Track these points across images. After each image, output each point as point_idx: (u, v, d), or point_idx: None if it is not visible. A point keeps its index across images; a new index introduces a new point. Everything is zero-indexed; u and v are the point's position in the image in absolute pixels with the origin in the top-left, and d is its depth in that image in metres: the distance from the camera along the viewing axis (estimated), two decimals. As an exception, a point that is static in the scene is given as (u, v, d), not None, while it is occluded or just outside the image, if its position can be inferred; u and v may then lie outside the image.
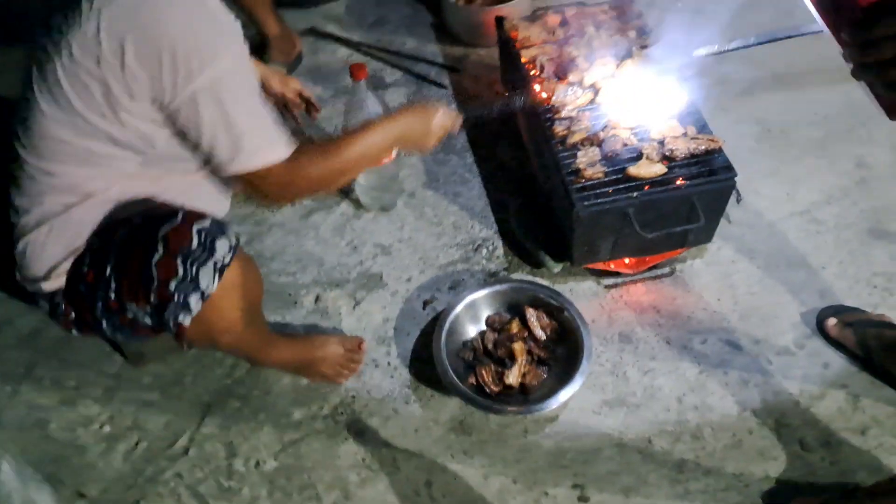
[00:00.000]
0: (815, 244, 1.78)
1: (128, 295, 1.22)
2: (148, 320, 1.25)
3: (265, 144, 1.23)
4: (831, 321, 1.62)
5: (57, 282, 1.31)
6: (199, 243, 1.20)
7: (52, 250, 1.28)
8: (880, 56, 0.85)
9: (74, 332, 1.37)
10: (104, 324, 1.30)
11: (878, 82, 0.87)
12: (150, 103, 1.16)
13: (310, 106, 1.81)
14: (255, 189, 1.29)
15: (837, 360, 1.58)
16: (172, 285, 1.19)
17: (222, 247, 1.23)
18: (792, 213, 1.84)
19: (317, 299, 1.76)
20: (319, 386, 1.60)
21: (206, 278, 1.21)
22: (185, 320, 1.23)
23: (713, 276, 1.74)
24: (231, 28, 1.17)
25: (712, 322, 1.66)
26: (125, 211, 1.30)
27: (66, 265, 1.29)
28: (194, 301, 1.21)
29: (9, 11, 1.96)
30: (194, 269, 1.19)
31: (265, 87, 1.72)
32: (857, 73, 0.88)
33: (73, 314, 1.33)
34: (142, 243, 1.21)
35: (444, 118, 1.48)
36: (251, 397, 1.60)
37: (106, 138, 1.20)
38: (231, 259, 1.24)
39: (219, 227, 1.24)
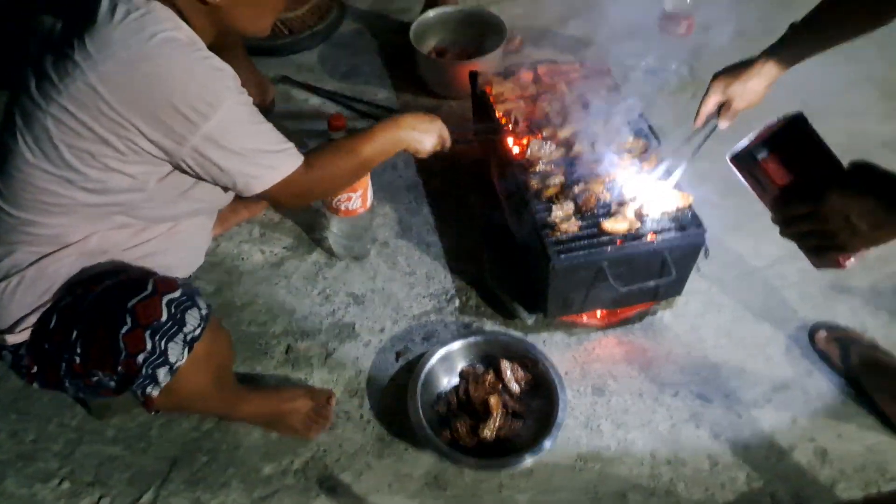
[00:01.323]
0: (780, 298, 1.82)
1: (94, 363, 1.19)
2: (113, 385, 1.23)
3: (276, 162, 1.25)
4: (821, 333, 1.71)
5: (22, 335, 1.26)
6: (170, 316, 1.18)
7: (20, 302, 1.24)
8: (796, 230, 1.06)
9: (36, 385, 1.32)
10: (67, 382, 1.26)
11: (799, 246, 1.08)
12: (154, 154, 1.16)
13: None
14: (275, 201, 1.33)
15: (805, 414, 1.61)
16: (140, 359, 1.17)
17: (192, 319, 1.21)
18: (757, 267, 1.89)
19: (287, 349, 1.73)
20: (290, 440, 1.57)
21: (175, 352, 1.19)
22: (153, 392, 1.21)
23: (683, 328, 1.77)
24: (225, 70, 1.18)
25: (683, 375, 1.68)
26: (99, 266, 1.27)
27: (33, 319, 1.25)
28: (162, 374, 1.20)
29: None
30: (163, 343, 1.17)
31: None
32: (783, 235, 1.08)
33: (35, 368, 1.29)
34: (111, 313, 1.18)
35: (441, 126, 1.55)
36: (219, 451, 1.55)
37: (96, 189, 1.18)
38: (201, 331, 1.22)
39: (189, 298, 1.22)
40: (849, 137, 2.11)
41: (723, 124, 1.49)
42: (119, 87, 1.09)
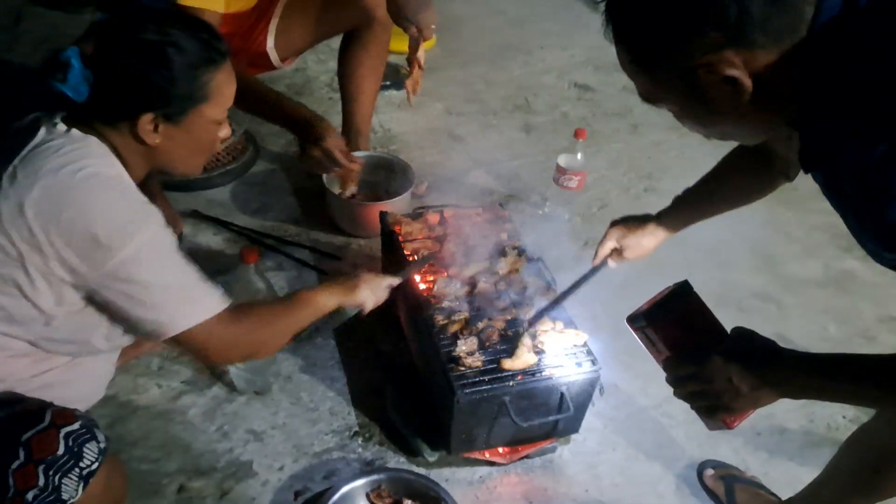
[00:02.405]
0: (669, 437, 1.90)
1: None
2: None
3: (195, 302, 1.24)
4: (708, 471, 1.78)
5: None
6: (66, 449, 1.13)
7: None
8: (685, 391, 1.20)
9: None
10: None
11: (691, 407, 1.20)
12: (68, 284, 1.16)
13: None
14: (199, 350, 1.30)
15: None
16: (30, 496, 1.10)
17: (90, 452, 1.16)
18: (646, 406, 1.98)
19: (180, 489, 1.65)
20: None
21: (70, 488, 1.14)
22: None
23: (580, 466, 1.81)
24: (150, 207, 1.22)
25: (582, 512, 1.70)
26: None
27: None
28: None
29: None
30: (57, 477, 1.12)
31: None
32: (676, 395, 1.21)
33: None
34: (2, 445, 1.12)
35: (379, 290, 1.60)
36: None
37: (2, 316, 1.15)
38: (98, 465, 1.17)
39: (88, 430, 1.18)
40: (723, 287, 2.34)
41: (612, 265, 1.65)
42: (42, 212, 1.12)
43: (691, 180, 1.64)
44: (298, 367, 1.97)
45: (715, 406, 1.16)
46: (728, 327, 1.22)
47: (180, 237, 2.28)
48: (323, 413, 1.86)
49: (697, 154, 2.78)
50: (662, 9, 0.94)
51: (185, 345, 1.29)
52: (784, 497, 1.65)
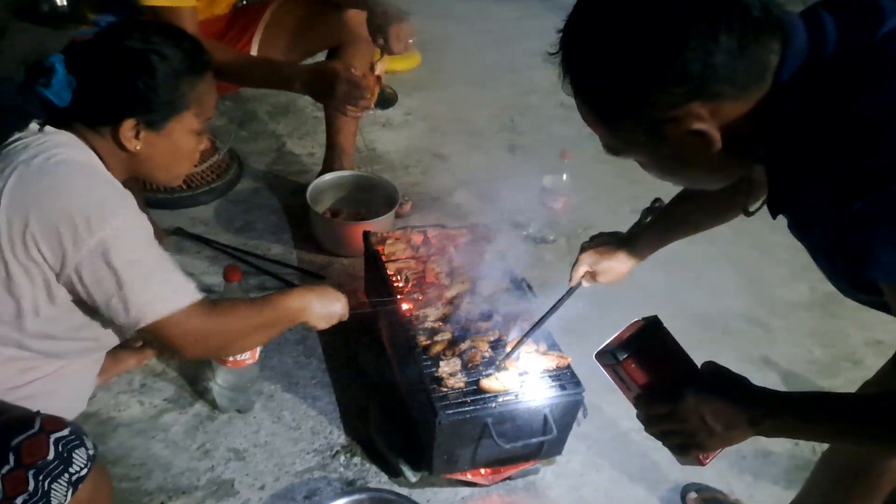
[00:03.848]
0: (652, 460, 1.90)
1: None
2: None
3: (171, 289, 1.26)
4: (692, 494, 1.78)
5: None
6: (56, 454, 1.14)
7: None
8: (657, 429, 1.19)
9: None
10: None
11: (663, 443, 1.19)
12: (46, 264, 1.18)
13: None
14: (168, 341, 1.30)
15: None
16: (20, 501, 1.10)
17: (80, 458, 1.17)
18: (630, 428, 1.98)
19: (160, 508, 1.63)
20: None
21: (59, 492, 1.14)
22: None
23: (564, 488, 1.81)
24: (125, 192, 1.25)
25: (564, 534, 1.70)
26: None
27: None
28: None
29: None
30: (47, 482, 1.12)
31: None
32: (647, 432, 1.20)
33: None
34: None
35: (343, 305, 1.59)
36: None
37: None
38: (87, 472, 1.17)
39: (78, 436, 1.18)
40: (709, 309, 2.36)
41: (586, 285, 1.67)
42: (17, 200, 1.16)
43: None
44: (281, 386, 1.96)
45: (688, 444, 1.15)
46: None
47: (164, 254, 2.27)
48: (305, 432, 1.85)
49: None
50: (623, 64, 0.91)
51: (159, 334, 1.28)
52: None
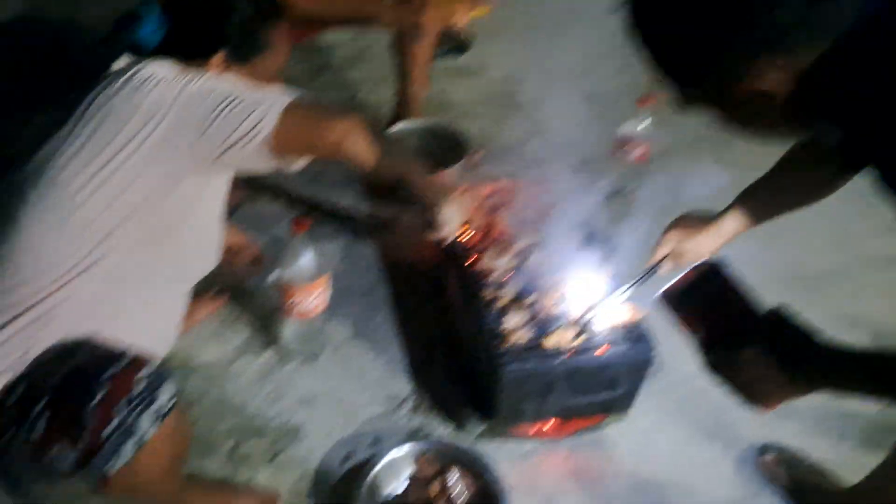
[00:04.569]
0: (729, 418, 1.83)
1: (56, 435, 1.18)
2: (69, 464, 1.20)
3: (272, 97, 1.32)
4: (768, 456, 1.71)
5: None
6: (143, 389, 1.19)
7: None
8: (717, 377, 1.15)
9: None
10: (19, 458, 1.24)
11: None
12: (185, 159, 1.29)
13: (257, 261, 1.90)
14: (280, 144, 1.31)
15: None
16: (107, 432, 1.16)
17: (165, 393, 1.22)
18: (707, 386, 1.88)
19: (233, 449, 1.69)
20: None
21: (145, 425, 1.19)
22: (113, 467, 1.19)
23: (631, 445, 1.77)
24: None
25: (631, 492, 1.66)
26: (76, 343, 1.29)
27: (2, 380, 1.24)
28: (127, 449, 1.19)
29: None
30: (133, 415, 1.18)
31: None
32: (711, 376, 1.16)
33: None
34: (82, 384, 1.19)
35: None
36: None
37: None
38: (171, 407, 1.23)
39: (163, 374, 1.24)
40: (794, 264, 2.22)
41: (663, 271, 1.54)
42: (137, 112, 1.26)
43: (771, 156, 1.52)
44: (349, 336, 1.98)
45: (747, 393, 1.12)
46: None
47: (238, 205, 2.31)
48: (371, 381, 1.87)
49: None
50: (690, 25, 0.90)
51: (295, 131, 1.31)
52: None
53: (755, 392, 1.10)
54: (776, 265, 2.10)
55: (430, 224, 1.53)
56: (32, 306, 1.25)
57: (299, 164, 1.41)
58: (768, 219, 1.47)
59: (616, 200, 2.50)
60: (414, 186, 1.49)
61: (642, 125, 2.45)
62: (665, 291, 1.22)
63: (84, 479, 1.25)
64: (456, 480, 1.58)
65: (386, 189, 2.02)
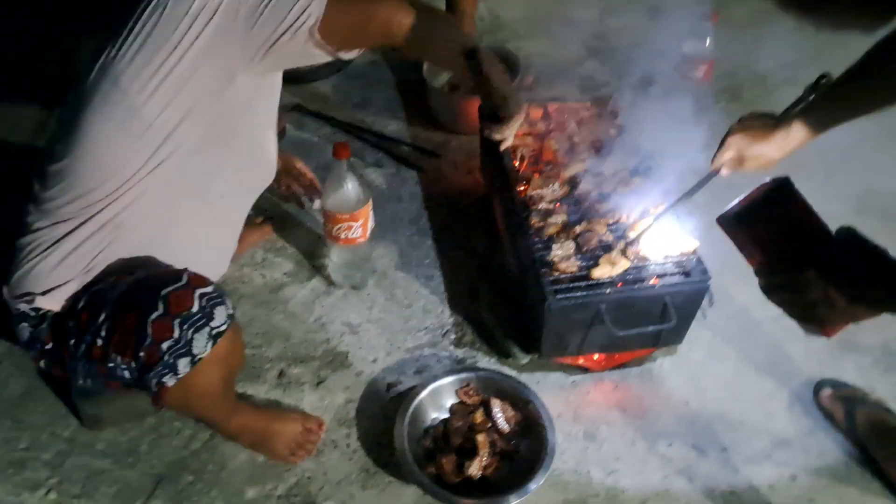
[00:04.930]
0: (785, 353, 1.77)
1: (116, 346, 1.24)
2: (127, 374, 1.26)
3: None
4: (826, 391, 1.65)
5: (52, 302, 1.32)
6: (200, 308, 1.22)
7: (62, 272, 1.31)
8: (778, 299, 1.08)
9: (42, 364, 1.38)
10: (79, 366, 1.31)
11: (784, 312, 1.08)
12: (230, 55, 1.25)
13: (312, 187, 1.87)
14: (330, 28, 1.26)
15: (805, 473, 1.55)
16: (165, 346, 1.20)
17: (220, 314, 1.25)
18: (763, 319, 1.84)
19: (280, 374, 1.72)
20: (276, 465, 1.55)
21: (200, 343, 1.22)
22: (170, 381, 1.23)
23: (682, 377, 1.73)
24: None
25: (679, 425, 1.63)
26: (138, 260, 1.35)
27: (69, 289, 1.32)
28: (183, 364, 1.23)
29: None
30: (190, 332, 1.21)
31: None
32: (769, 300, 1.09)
33: (51, 344, 1.33)
34: (142, 299, 1.23)
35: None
36: (205, 472, 1.54)
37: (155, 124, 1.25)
38: (226, 327, 1.26)
39: (219, 294, 1.26)
40: (867, 192, 2.08)
41: (725, 173, 1.45)
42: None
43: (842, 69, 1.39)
44: (394, 265, 1.97)
45: (809, 316, 1.05)
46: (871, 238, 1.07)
47: (283, 132, 2.29)
48: (416, 310, 1.86)
49: (857, 41, 2.44)
50: None
51: (344, 14, 1.26)
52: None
53: (817, 315, 1.02)
54: (847, 191, 1.98)
55: (495, 113, 1.48)
56: (97, 213, 1.29)
57: (351, 53, 1.34)
58: (846, 120, 1.33)
59: (676, 120, 2.39)
60: (479, 66, 1.38)
61: (708, 41, 2.30)
62: (725, 213, 1.14)
63: (141, 390, 1.30)
64: (500, 410, 1.57)
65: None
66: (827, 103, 1.34)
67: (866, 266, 0.98)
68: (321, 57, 1.30)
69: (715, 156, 1.44)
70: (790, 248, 1.07)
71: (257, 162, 1.53)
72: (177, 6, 1.22)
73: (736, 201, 1.13)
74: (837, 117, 1.33)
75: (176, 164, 1.30)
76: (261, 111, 1.44)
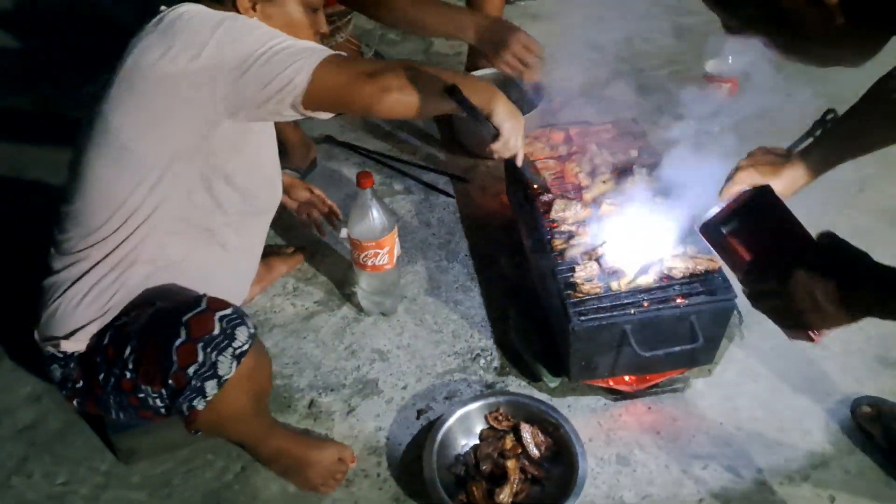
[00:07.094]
0: (821, 370, 1.74)
1: (144, 377, 1.28)
2: (159, 403, 1.30)
3: (309, 50, 1.29)
4: (864, 409, 1.62)
5: (76, 344, 1.37)
6: (221, 330, 1.25)
7: (84, 311, 1.36)
8: (764, 306, 1.10)
9: (76, 403, 1.43)
10: (111, 400, 1.35)
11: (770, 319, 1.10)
12: (218, 101, 1.27)
13: (331, 214, 1.90)
14: (340, 90, 1.30)
15: (845, 494, 1.51)
16: (191, 371, 1.23)
17: (242, 334, 1.28)
18: (797, 336, 1.81)
19: (311, 404, 1.74)
20: (308, 496, 1.56)
21: (225, 364, 1.25)
22: (200, 405, 1.26)
23: (716, 397, 1.70)
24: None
25: (714, 447, 1.61)
26: (157, 290, 1.39)
27: (91, 329, 1.36)
28: (210, 387, 1.25)
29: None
30: (214, 354, 1.24)
31: (289, 194, 1.85)
32: (754, 308, 1.11)
33: (81, 382, 1.38)
34: (165, 327, 1.27)
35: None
36: (238, 503, 1.56)
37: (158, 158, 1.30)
38: (249, 347, 1.28)
39: (239, 315, 1.29)
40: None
41: None
42: (168, 49, 1.26)
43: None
44: (423, 290, 1.98)
45: (796, 322, 1.06)
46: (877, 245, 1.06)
47: (314, 163, 2.34)
48: (446, 335, 1.87)
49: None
50: None
51: (325, 93, 1.28)
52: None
53: (804, 321, 1.04)
54: (880, 203, 1.93)
55: (495, 135, 1.51)
56: (111, 252, 1.34)
57: (328, 115, 1.39)
58: (855, 156, 1.35)
59: (701, 139, 2.38)
60: (464, 99, 1.39)
61: (730, 58, 2.30)
62: (707, 221, 1.16)
63: (175, 417, 1.33)
64: (530, 435, 1.57)
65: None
66: (834, 139, 1.36)
67: (849, 271, 0.98)
68: (296, 116, 1.35)
69: (722, 190, 1.43)
70: (773, 254, 1.08)
71: (262, 185, 1.55)
72: (160, 42, 1.27)
73: (717, 209, 1.14)
74: (845, 154, 1.37)
75: (182, 199, 1.35)
76: (253, 141, 1.46)
